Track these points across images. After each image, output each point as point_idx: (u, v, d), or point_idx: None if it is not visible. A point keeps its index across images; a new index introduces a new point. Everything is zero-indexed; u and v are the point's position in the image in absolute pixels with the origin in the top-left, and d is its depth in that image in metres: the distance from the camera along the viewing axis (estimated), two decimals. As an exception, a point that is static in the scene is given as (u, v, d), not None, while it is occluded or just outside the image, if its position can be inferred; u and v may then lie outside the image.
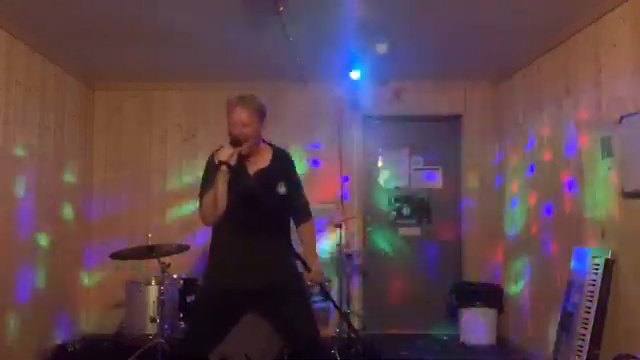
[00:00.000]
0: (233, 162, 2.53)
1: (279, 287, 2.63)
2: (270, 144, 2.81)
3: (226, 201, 2.54)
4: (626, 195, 3.11)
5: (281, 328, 2.69)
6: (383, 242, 5.42)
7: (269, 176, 2.69)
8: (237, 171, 2.57)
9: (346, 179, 5.23)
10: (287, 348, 2.77)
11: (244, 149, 2.59)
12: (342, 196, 5.04)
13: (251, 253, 2.62)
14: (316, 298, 4.40)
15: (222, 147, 2.57)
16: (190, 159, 5.24)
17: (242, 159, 2.63)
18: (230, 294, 2.58)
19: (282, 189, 2.68)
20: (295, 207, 2.81)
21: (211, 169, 2.61)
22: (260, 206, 2.60)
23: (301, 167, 5.04)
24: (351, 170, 5.29)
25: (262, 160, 2.72)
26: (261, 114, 2.68)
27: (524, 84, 4.63)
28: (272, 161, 2.74)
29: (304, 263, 2.75)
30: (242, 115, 2.59)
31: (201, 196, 2.63)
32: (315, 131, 5.31)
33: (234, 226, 2.62)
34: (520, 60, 4.52)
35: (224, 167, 2.51)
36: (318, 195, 4.92)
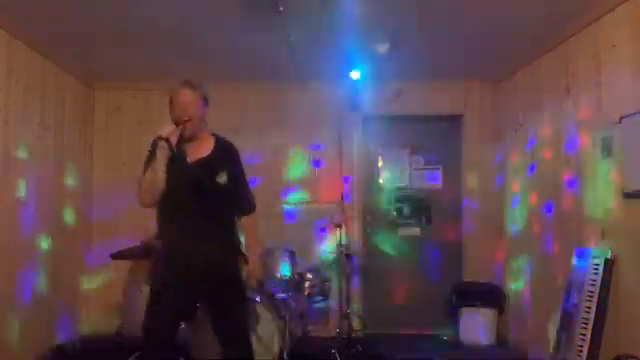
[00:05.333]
0: (174, 140, 2.52)
1: (214, 276, 2.63)
2: (214, 134, 2.80)
3: (163, 181, 2.52)
4: (626, 195, 3.11)
5: (213, 319, 2.70)
6: (383, 242, 5.42)
7: (209, 165, 2.67)
8: (177, 158, 2.56)
9: (346, 179, 5.24)
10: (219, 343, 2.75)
11: (185, 127, 2.59)
12: (342, 196, 5.05)
13: (190, 242, 2.61)
14: (316, 298, 4.41)
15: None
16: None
17: (183, 145, 2.62)
18: (175, 281, 2.60)
19: (222, 179, 2.64)
20: (236, 199, 2.76)
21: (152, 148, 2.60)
22: (199, 194, 2.59)
23: (301, 167, 5.07)
24: (351, 170, 5.29)
25: (204, 148, 2.71)
26: (204, 99, 2.74)
27: (524, 84, 4.63)
28: (214, 150, 2.72)
29: (244, 256, 2.75)
30: (186, 96, 2.66)
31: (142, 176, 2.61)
32: (315, 131, 5.29)
33: (174, 214, 2.63)
34: (520, 60, 4.52)
35: (162, 142, 2.50)
36: (318, 195, 4.92)
